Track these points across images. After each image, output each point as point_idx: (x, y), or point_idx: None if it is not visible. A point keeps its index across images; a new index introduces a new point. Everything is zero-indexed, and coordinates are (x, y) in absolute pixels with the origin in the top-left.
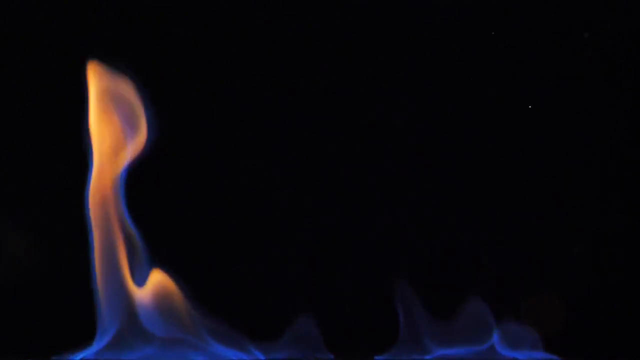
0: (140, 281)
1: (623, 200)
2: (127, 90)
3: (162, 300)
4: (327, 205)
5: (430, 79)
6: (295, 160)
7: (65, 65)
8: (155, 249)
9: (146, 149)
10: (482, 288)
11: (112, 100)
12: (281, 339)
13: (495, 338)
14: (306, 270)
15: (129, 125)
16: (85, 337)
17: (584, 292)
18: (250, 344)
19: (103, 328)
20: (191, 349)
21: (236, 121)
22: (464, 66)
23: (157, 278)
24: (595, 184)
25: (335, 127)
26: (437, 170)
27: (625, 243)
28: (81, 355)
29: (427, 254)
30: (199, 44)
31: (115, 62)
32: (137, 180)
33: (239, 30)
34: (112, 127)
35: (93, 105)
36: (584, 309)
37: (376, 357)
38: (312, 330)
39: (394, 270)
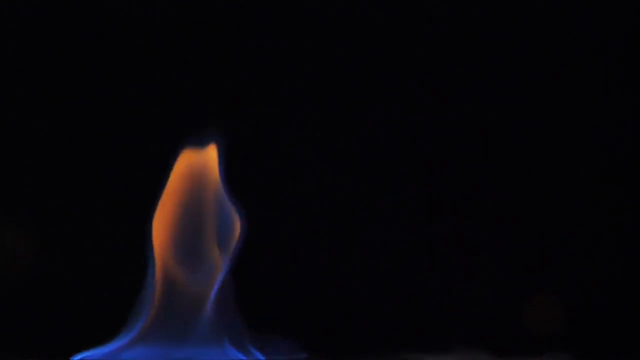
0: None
1: (623, 200)
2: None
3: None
4: (332, 208)
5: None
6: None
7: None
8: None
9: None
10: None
11: None
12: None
13: None
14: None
15: None
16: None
17: (584, 292)
18: (251, 343)
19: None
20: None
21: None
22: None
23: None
24: (595, 184)
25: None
26: (436, 171)
27: (625, 243)
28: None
29: (428, 254)
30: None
31: None
32: None
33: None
34: None
35: None
36: (584, 309)
37: None
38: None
39: (388, 275)
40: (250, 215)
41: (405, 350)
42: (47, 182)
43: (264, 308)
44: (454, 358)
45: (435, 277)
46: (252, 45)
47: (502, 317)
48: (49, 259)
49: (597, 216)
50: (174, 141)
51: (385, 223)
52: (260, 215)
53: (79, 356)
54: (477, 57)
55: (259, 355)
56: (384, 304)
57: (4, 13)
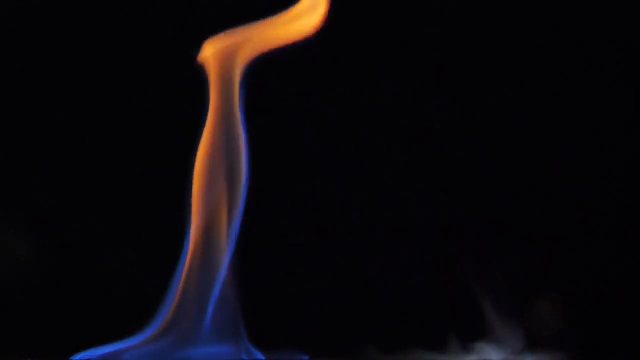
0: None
1: (623, 199)
2: None
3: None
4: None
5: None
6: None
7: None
8: None
9: None
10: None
11: None
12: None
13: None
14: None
15: None
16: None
17: (584, 292)
18: (250, 344)
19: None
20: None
21: None
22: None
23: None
24: (595, 184)
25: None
26: (437, 169)
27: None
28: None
29: (428, 253)
30: None
31: None
32: None
33: None
34: None
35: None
36: (584, 309)
37: None
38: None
39: (389, 271)
40: (251, 215)
41: (407, 349)
42: (48, 181)
43: (266, 309)
44: (455, 357)
45: (436, 277)
46: None
47: (502, 316)
48: (50, 259)
49: (597, 216)
50: (170, 142)
51: (387, 223)
52: (261, 215)
53: (79, 356)
54: (477, 56)
55: (259, 355)
56: (385, 304)
57: (4, 13)
